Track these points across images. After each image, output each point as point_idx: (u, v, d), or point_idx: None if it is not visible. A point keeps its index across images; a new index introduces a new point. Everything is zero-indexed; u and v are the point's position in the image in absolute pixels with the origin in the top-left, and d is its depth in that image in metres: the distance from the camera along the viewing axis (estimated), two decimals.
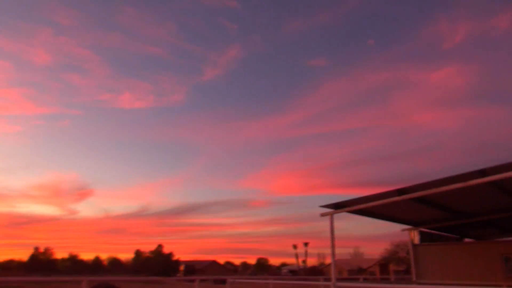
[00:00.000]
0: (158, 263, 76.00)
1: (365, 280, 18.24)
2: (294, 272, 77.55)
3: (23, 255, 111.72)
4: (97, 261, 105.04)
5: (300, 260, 69.19)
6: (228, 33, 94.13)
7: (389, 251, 52.54)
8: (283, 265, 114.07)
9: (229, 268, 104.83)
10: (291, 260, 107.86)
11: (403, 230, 13.29)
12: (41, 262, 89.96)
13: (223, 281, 38.61)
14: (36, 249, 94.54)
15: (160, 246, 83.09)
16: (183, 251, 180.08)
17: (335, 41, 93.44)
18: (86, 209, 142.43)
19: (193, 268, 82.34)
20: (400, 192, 7.30)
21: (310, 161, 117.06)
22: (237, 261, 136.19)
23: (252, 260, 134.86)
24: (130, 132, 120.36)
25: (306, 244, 65.16)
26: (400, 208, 9.75)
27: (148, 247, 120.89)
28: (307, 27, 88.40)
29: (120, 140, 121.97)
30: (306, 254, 68.17)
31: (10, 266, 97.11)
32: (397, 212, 10.58)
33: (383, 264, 60.71)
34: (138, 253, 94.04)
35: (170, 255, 79.20)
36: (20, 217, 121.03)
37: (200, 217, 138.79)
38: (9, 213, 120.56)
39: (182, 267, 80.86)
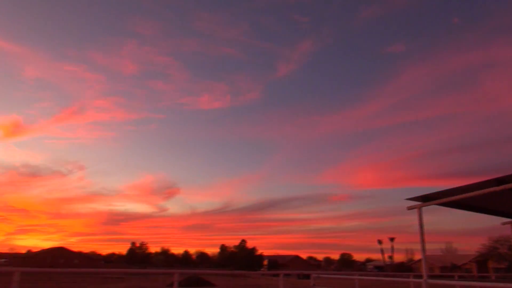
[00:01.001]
0: (242, 258, 78.25)
1: (461, 278, 16.90)
2: (380, 268, 74.62)
3: (122, 249, 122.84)
4: (186, 255, 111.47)
5: (386, 255, 66.34)
6: (300, 27, 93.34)
7: (487, 247, 48.02)
8: (368, 260, 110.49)
9: (312, 263, 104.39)
10: (376, 256, 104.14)
11: (504, 223, 12.04)
12: (137, 256, 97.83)
13: (307, 276, 38.51)
14: (133, 244, 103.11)
15: (243, 241, 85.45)
16: (266, 246, 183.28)
17: (414, 24, 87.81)
18: (174, 207, 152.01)
19: (276, 262, 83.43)
20: (499, 181, 6.59)
21: (392, 153, 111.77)
22: (319, 256, 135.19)
23: (335, 256, 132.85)
24: (210, 132, 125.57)
25: (392, 239, 62.20)
26: (500, 199, 8.81)
27: (232, 242, 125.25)
28: (382, 12, 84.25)
29: (202, 140, 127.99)
30: (392, 249, 65.07)
31: (112, 259, 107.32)
32: (496, 204, 9.59)
33: (481, 261, 55.72)
34: (223, 247, 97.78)
35: (253, 250, 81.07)
36: (118, 215, 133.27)
37: (281, 212, 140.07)
38: (108, 211, 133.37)
39: (265, 262, 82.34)
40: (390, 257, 66.68)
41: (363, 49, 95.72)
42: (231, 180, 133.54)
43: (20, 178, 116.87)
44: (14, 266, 55.08)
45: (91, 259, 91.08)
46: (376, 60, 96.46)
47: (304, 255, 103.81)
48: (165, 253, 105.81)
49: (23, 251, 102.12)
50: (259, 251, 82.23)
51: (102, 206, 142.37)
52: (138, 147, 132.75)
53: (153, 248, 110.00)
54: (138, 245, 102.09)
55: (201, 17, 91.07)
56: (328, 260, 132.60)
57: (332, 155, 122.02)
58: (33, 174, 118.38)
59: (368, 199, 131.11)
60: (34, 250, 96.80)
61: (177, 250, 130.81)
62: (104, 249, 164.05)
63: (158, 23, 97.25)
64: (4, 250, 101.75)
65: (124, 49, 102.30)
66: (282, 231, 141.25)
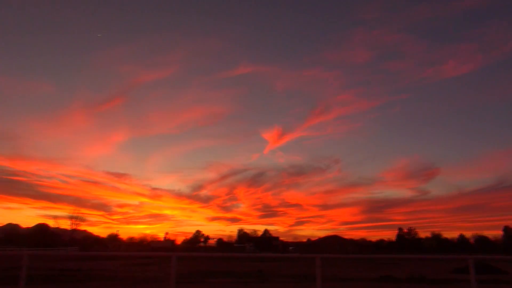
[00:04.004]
0: None
1: None
2: None
3: (389, 235, 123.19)
4: (461, 239, 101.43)
5: None
6: None
7: None
8: None
9: None
10: None
11: None
12: (407, 241, 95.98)
13: None
14: (400, 229, 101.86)
15: None
16: None
17: None
18: (436, 188, 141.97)
19: None
20: None
21: None
22: None
23: None
24: (463, 101, 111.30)
25: None
26: None
27: None
28: None
29: (455, 112, 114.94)
30: None
31: (381, 245, 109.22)
32: None
33: None
34: (507, 229, 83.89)
35: None
36: (379, 202, 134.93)
37: None
38: (368, 199, 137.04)
39: None
40: None
41: None
42: (504, 151, 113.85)
43: (290, 178, 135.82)
44: (302, 253, 63.53)
45: (362, 245, 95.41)
46: None
47: None
48: (437, 238, 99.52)
49: (304, 240, 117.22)
50: None
51: (362, 195, 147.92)
52: (386, 132, 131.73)
53: (423, 233, 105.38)
54: (406, 230, 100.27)
55: None
56: None
57: None
58: (298, 173, 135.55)
59: None
60: (312, 238, 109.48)
61: (449, 234, 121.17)
62: (372, 236, 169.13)
63: (377, 3, 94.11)
64: (289, 239, 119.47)
65: (353, 40, 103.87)
66: None
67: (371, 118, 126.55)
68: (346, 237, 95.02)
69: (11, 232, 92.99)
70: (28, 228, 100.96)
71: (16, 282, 6.07)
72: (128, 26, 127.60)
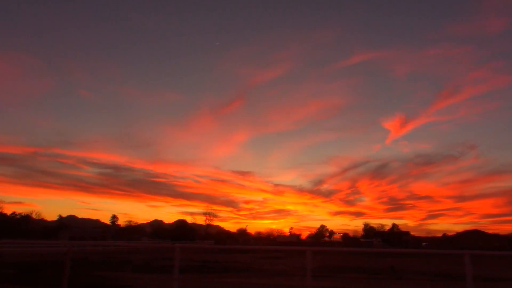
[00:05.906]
0: None
1: None
2: None
3: None
4: None
5: None
6: None
7: None
8: None
9: None
10: None
11: None
12: None
13: None
14: None
15: None
16: None
17: None
18: None
19: None
20: None
21: None
22: None
23: None
24: None
25: None
26: None
27: None
28: None
29: None
30: None
31: None
32: None
33: None
34: None
35: None
36: None
37: None
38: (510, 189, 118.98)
39: None
40: None
41: None
42: None
43: (417, 168, 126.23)
44: (437, 249, 58.41)
45: None
46: None
47: None
48: None
49: (439, 235, 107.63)
50: None
51: (508, 184, 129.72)
52: None
53: None
54: None
55: None
56: None
57: None
58: (426, 162, 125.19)
59: None
60: (449, 233, 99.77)
61: None
62: None
63: None
64: (421, 234, 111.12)
65: (484, 7, 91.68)
66: None
67: None
68: (489, 231, 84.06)
69: (157, 227, 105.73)
70: (170, 224, 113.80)
71: (169, 271, 6.77)
72: (241, 29, 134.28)
